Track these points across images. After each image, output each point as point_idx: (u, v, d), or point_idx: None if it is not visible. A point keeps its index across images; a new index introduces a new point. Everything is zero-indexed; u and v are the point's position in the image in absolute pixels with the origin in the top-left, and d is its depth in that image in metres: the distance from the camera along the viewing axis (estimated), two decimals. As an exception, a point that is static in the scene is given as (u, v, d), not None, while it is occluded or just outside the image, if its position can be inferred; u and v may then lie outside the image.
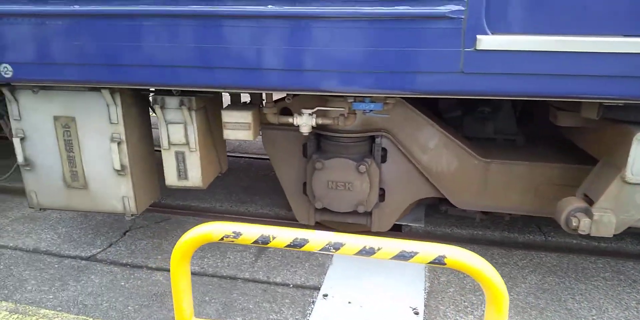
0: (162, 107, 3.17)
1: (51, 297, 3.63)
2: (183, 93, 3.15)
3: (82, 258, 4.16)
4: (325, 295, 3.59)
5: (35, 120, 3.32)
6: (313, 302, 3.54)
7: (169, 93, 3.17)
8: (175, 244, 4.30)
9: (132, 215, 3.46)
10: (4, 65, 2.94)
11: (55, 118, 3.30)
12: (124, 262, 4.10)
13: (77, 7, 2.72)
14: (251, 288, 3.73)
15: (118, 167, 3.27)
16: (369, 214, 3.94)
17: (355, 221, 4.01)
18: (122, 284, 3.80)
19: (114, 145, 3.24)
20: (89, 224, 4.76)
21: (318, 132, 3.74)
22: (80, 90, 3.18)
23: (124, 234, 4.58)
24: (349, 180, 3.67)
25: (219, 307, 3.51)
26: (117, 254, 4.22)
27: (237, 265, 4.04)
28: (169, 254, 4.20)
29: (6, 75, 2.96)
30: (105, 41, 2.80)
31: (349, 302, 3.51)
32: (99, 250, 4.29)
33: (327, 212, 4.05)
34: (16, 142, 3.33)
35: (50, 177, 3.45)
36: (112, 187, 3.37)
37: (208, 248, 4.30)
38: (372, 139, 3.74)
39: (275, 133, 3.79)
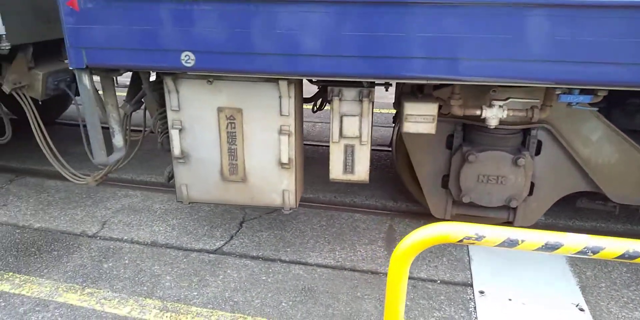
0: (339, 99, 2.99)
1: (195, 293, 3.50)
2: (361, 84, 2.98)
3: (208, 251, 4.02)
4: (482, 292, 3.50)
5: (197, 111, 3.13)
6: (471, 300, 3.45)
7: (347, 84, 2.99)
8: (296, 235, 4.19)
9: (290, 208, 3.31)
10: (186, 53, 2.73)
11: (220, 109, 3.10)
12: (254, 255, 3.97)
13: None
14: (398, 283, 3.62)
15: (285, 160, 3.11)
16: (512, 208, 3.84)
17: (496, 215, 3.90)
18: (264, 278, 3.67)
19: (284, 138, 3.07)
20: (199, 215, 4.60)
21: (467, 123, 3.60)
22: (252, 80, 2.99)
23: (241, 225, 4.43)
24: (504, 173, 3.55)
25: (376, 304, 3.40)
26: (243, 246, 4.08)
27: (372, 259, 3.93)
28: (297, 246, 4.07)
29: (187, 64, 2.76)
30: (295, 30, 2.60)
31: (510, 300, 3.42)
32: (222, 242, 4.14)
33: (463, 205, 3.94)
34: (174, 133, 3.14)
35: (206, 170, 3.27)
36: (274, 181, 3.21)
37: (334, 241, 4.17)
38: (525, 130, 3.61)
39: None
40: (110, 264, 3.83)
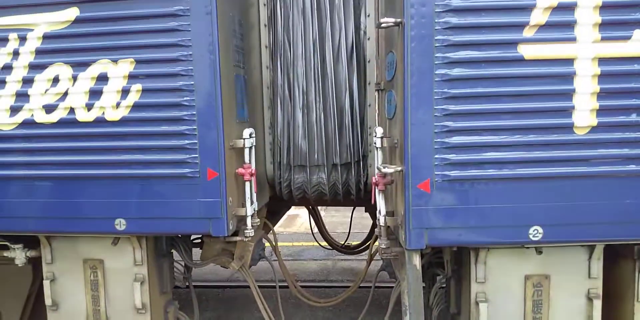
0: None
1: None
2: None
3: None
4: None
5: (503, 281, 3.09)
6: None
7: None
8: None
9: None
10: (535, 227, 2.79)
11: (527, 277, 3.09)
12: None
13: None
14: None
15: (591, 328, 3.06)
16: None
17: None
18: None
19: (597, 302, 3.07)
20: None
21: None
22: (562, 246, 3.06)
23: None
24: None
25: None
26: None
27: None
28: None
29: (534, 238, 2.80)
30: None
31: None
32: None
33: None
34: (482, 308, 3.03)
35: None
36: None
37: None
38: None
39: None
40: None
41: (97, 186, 3.26)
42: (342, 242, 6.10)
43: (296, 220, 9.53)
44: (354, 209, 5.47)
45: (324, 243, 6.07)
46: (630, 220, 2.79)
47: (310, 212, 5.85)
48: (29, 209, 3.36)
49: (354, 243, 5.88)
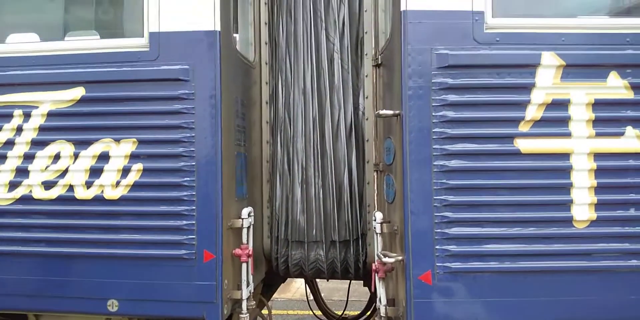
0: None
1: None
2: None
3: None
4: None
5: None
6: None
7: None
8: None
9: None
10: None
11: None
12: None
13: None
14: None
15: None
16: None
17: None
18: None
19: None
20: None
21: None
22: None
23: None
24: None
25: None
26: None
27: None
28: None
29: None
30: None
31: None
32: None
33: None
34: None
35: None
36: None
37: None
38: None
39: None
40: None
41: (92, 265, 3.19)
42: (340, 314, 5.90)
43: (291, 286, 9.27)
44: (350, 282, 5.35)
45: (319, 312, 5.86)
46: (637, 317, 2.74)
47: (305, 280, 5.70)
48: (20, 286, 3.27)
49: (352, 313, 5.68)
